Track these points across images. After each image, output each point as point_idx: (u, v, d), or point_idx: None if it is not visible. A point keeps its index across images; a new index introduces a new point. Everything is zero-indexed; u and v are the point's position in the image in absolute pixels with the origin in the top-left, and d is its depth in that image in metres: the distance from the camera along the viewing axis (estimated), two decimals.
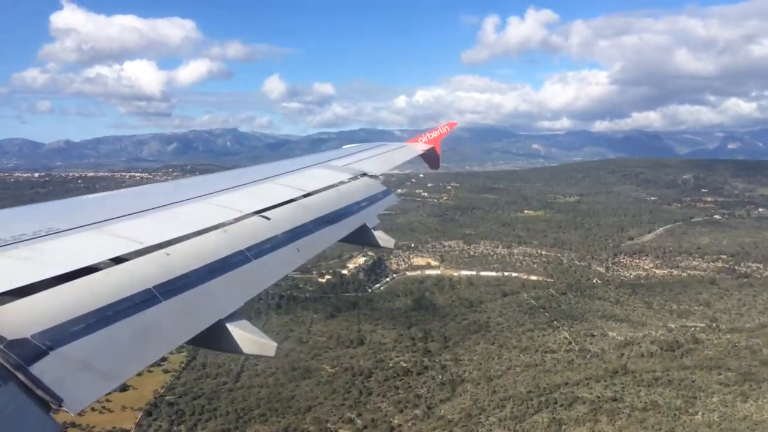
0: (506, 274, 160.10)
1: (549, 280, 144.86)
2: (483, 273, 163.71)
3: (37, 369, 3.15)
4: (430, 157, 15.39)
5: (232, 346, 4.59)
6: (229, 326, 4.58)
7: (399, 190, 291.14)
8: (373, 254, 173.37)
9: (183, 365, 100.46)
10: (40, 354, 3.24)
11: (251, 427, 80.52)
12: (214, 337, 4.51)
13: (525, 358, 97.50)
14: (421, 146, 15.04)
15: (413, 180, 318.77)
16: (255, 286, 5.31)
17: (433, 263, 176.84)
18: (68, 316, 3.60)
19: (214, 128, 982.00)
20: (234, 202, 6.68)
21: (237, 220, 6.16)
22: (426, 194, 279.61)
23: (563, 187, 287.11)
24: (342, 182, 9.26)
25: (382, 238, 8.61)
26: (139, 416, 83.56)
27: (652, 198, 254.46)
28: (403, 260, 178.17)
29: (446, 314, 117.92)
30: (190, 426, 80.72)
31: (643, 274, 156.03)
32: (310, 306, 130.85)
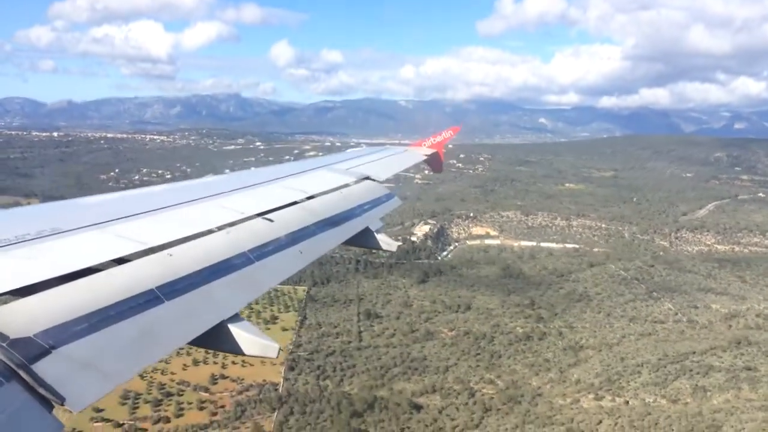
0: (567, 245, 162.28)
1: (609, 250, 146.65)
2: (543, 244, 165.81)
3: (40, 368, 3.17)
4: (433, 162, 15.24)
5: (234, 348, 4.53)
6: (232, 327, 4.52)
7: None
8: (434, 222, 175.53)
9: (298, 324, 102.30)
10: (42, 353, 3.26)
11: (396, 384, 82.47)
12: (216, 338, 4.48)
13: (636, 327, 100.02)
14: (424, 150, 14.88)
15: (444, 150, 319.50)
16: (257, 288, 5.31)
17: (492, 233, 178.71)
18: (71, 316, 3.62)
19: (217, 93, 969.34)
20: (237, 204, 6.72)
21: (240, 221, 6.19)
22: (460, 165, 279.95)
23: (595, 162, 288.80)
24: (345, 185, 9.24)
25: (385, 241, 8.50)
26: (282, 370, 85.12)
27: (688, 175, 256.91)
28: (463, 229, 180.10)
29: (539, 283, 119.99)
30: (337, 381, 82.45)
31: (705, 249, 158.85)
32: (393, 271, 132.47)
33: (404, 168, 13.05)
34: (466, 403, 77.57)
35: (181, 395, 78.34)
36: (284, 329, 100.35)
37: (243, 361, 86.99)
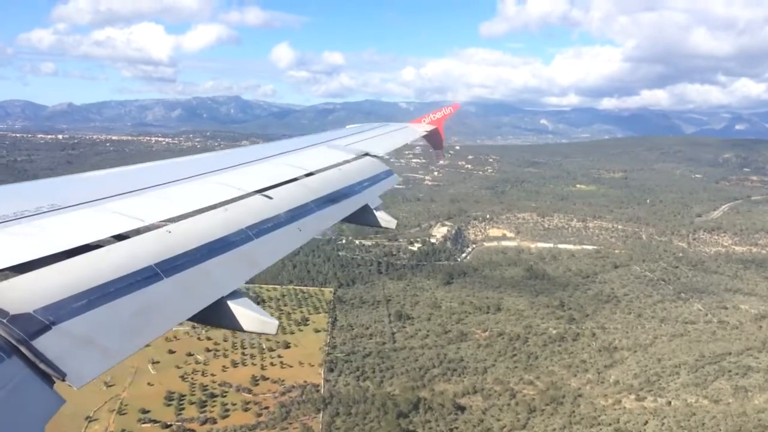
0: (585, 247, 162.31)
1: (628, 251, 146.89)
2: (561, 245, 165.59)
3: (40, 343, 3.17)
4: (433, 138, 15.10)
5: (233, 324, 4.58)
6: (231, 304, 4.56)
7: (441, 162, 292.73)
8: (451, 224, 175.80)
9: (330, 325, 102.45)
10: (42, 329, 3.26)
11: (437, 384, 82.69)
12: (216, 315, 4.52)
13: (668, 328, 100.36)
14: (424, 127, 14.75)
15: (451, 152, 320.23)
16: (256, 264, 5.30)
17: (509, 234, 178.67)
18: (70, 292, 3.62)
19: (217, 95, 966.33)
20: (236, 181, 6.71)
21: (239, 198, 6.19)
22: (470, 166, 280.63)
23: (603, 163, 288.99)
24: (345, 162, 9.13)
25: (384, 218, 8.42)
26: (322, 371, 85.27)
27: (697, 176, 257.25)
28: (480, 231, 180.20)
29: (565, 284, 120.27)
30: (377, 382, 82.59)
31: (723, 250, 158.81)
32: (417, 272, 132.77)
33: (404, 144, 12.92)
34: (509, 404, 77.85)
35: (225, 396, 78.36)
36: (317, 330, 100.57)
37: (282, 362, 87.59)
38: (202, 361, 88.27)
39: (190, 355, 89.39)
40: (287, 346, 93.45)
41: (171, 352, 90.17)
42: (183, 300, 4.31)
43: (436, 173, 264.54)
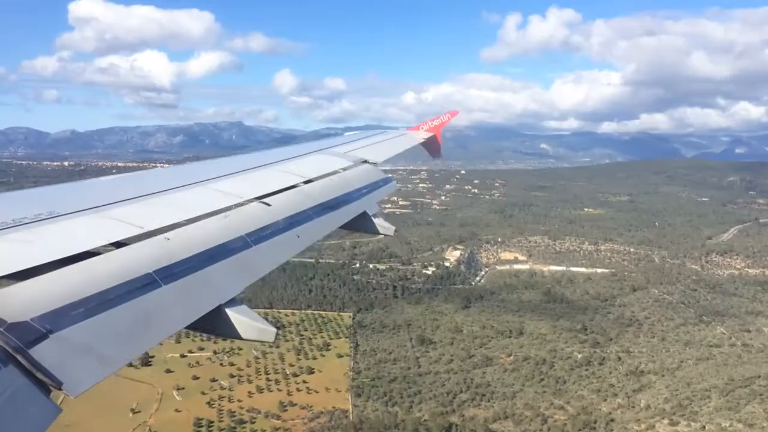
0: (598, 270, 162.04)
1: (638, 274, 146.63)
2: (573, 269, 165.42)
3: (37, 352, 3.14)
4: (431, 145, 15.02)
5: (231, 332, 4.57)
6: (229, 312, 4.56)
7: (447, 186, 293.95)
8: (463, 248, 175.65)
9: (353, 350, 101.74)
10: (40, 337, 3.23)
11: (466, 410, 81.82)
12: (214, 323, 4.53)
13: (692, 351, 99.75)
14: (422, 134, 14.77)
15: (457, 177, 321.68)
16: (255, 272, 5.30)
17: (521, 258, 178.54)
18: (68, 300, 3.59)
19: (219, 121, 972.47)
20: (235, 188, 6.72)
21: (237, 205, 6.19)
22: (476, 190, 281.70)
23: (609, 187, 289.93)
24: (343, 169, 9.17)
25: (382, 225, 8.45)
26: (349, 397, 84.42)
27: (704, 199, 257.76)
28: (492, 254, 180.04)
29: (585, 308, 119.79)
30: (406, 407, 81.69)
31: (736, 273, 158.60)
32: (433, 296, 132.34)
33: (402, 151, 12.81)
34: (541, 430, 76.99)
35: (254, 422, 77.41)
36: (339, 356, 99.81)
37: (308, 388, 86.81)
38: (226, 386, 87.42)
39: (214, 380, 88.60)
40: (311, 371, 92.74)
41: (195, 378, 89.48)
42: (181, 307, 4.30)
43: (443, 197, 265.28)
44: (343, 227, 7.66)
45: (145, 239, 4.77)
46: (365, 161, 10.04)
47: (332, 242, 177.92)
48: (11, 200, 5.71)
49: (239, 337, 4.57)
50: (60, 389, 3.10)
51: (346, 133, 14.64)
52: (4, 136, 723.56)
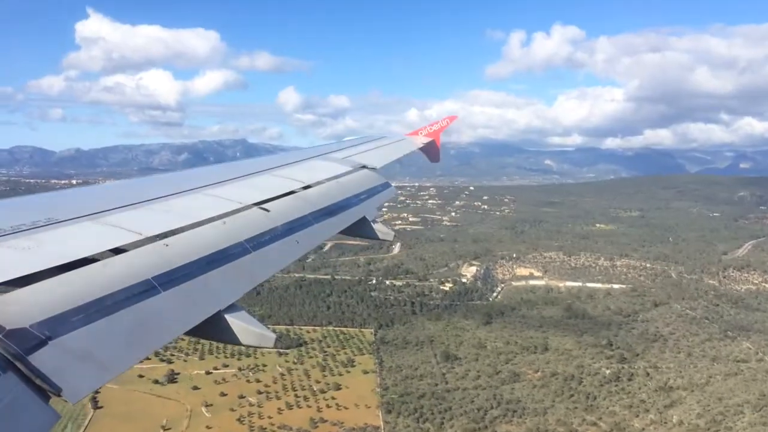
0: (615, 286, 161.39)
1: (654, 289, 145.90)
2: (590, 284, 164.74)
3: (36, 358, 3.13)
4: (430, 150, 15.06)
5: (230, 337, 4.56)
6: (228, 317, 4.55)
7: (457, 202, 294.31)
8: (479, 263, 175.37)
9: (377, 366, 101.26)
10: (39, 344, 3.23)
11: (498, 426, 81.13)
12: (213, 328, 4.50)
13: (720, 367, 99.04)
14: (420, 139, 14.83)
15: (466, 193, 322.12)
16: (254, 277, 5.30)
17: (536, 273, 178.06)
18: (67, 306, 3.58)
19: (223, 139, 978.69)
20: (234, 194, 6.70)
21: (236, 211, 6.17)
22: (486, 207, 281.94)
23: (619, 202, 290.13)
24: (342, 174, 9.14)
25: (381, 230, 8.43)
26: (380, 413, 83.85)
27: (715, 214, 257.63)
28: (507, 270, 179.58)
29: (608, 323, 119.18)
30: (438, 424, 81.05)
31: (754, 288, 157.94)
32: (453, 312, 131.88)
33: (400, 156, 12.87)
34: None
35: None
36: (365, 372, 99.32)
37: (337, 404, 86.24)
38: (255, 403, 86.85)
39: (242, 397, 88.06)
40: (338, 387, 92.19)
41: (222, 394, 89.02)
42: (181, 313, 4.30)
43: (453, 213, 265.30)
44: (342, 232, 7.68)
45: (144, 245, 4.77)
46: (364, 166, 10.05)
47: (346, 259, 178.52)
48: (10, 207, 5.70)
49: (239, 343, 4.58)
50: (59, 396, 3.10)
51: (345, 138, 14.88)
52: (10, 155, 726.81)
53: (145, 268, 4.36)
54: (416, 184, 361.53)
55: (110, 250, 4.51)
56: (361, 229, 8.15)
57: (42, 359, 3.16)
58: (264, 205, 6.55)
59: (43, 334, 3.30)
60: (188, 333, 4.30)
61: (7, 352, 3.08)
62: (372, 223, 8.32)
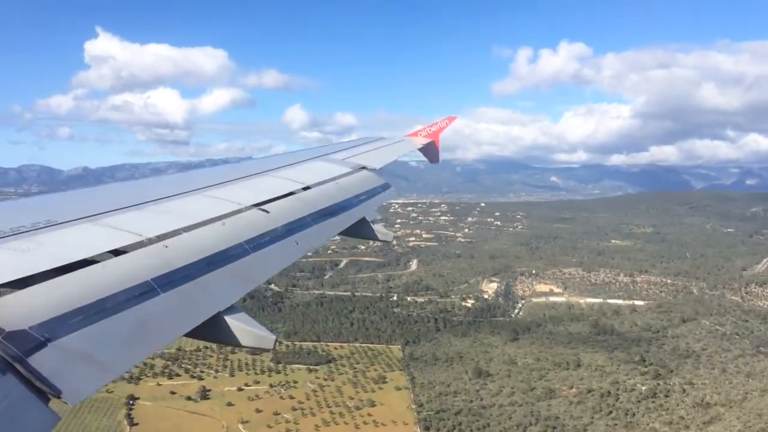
0: (636, 302, 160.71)
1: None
2: (610, 300, 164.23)
3: (36, 360, 3.13)
4: (429, 151, 15.07)
5: (230, 339, 4.55)
6: (228, 319, 4.54)
7: (469, 219, 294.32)
8: (499, 280, 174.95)
9: (410, 383, 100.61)
10: (38, 346, 3.23)
11: None
12: (213, 330, 4.50)
13: (756, 383, 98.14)
14: (420, 140, 14.84)
15: (478, 209, 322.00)
16: (253, 279, 5.30)
17: (556, 290, 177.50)
18: (67, 308, 3.58)
19: (229, 156, 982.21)
20: (233, 195, 6.70)
21: (236, 213, 6.17)
22: (498, 223, 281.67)
23: (631, 218, 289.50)
24: (341, 175, 9.13)
25: (381, 231, 8.50)
26: (418, 430, 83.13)
27: (729, 230, 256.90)
28: (527, 286, 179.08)
29: (638, 339, 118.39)
30: None
31: None
32: (478, 329, 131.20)
33: (400, 156, 12.93)
34: None
35: None
36: (398, 388, 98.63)
37: (374, 421, 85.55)
38: (291, 420, 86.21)
39: (277, 414, 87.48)
40: (373, 404, 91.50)
41: (258, 411, 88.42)
42: (180, 315, 4.29)
43: (466, 230, 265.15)
44: (342, 234, 7.67)
45: (144, 247, 4.76)
46: (363, 167, 10.02)
47: (364, 275, 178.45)
48: (9, 209, 5.69)
49: (239, 344, 4.57)
50: (59, 397, 3.09)
51: (344, 140, 14.72)
52: (18, 174, 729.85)
53: (144, 270, 4.37)
54: (425, 200, 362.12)
55: (110, 252, 4.52)
56: (360, 230, 8.17)
57: (41, 361, 3.15)
58: (263, 207, 6.57)
59: (42, 335, 3.29)
60: (188, 334, 4.29)
61: (6, 354, 3.07)
62: (372, 224, 8.36)
